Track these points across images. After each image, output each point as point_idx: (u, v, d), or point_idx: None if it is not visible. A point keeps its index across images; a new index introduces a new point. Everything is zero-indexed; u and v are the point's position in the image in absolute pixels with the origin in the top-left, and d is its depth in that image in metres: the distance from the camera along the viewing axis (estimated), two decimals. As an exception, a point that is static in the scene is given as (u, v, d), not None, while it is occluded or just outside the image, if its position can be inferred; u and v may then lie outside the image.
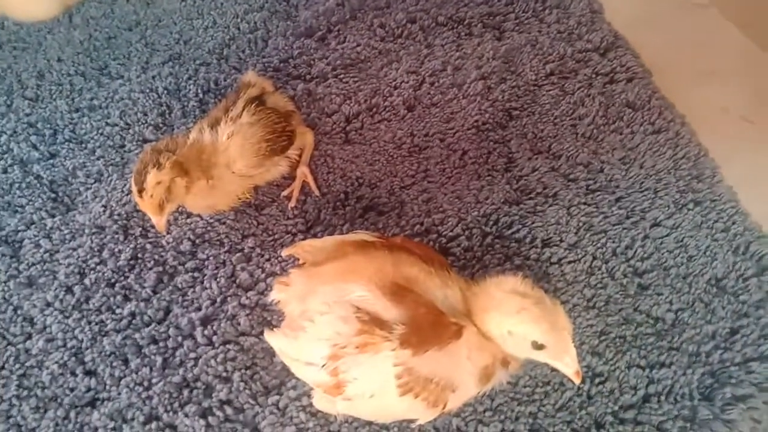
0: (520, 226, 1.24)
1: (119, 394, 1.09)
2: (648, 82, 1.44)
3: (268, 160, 1.21)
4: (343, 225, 1.26)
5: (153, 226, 1.22)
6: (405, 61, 1.50)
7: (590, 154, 1.33)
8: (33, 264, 1.24)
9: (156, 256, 1.23)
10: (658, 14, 1.65)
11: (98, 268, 1.23)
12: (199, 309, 1.17)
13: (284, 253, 1.07)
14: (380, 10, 1.61)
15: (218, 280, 1.20)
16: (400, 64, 1.50)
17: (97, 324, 1.16)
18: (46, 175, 1.36)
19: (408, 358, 0.83)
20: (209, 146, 1.15)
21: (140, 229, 1.27)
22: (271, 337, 0.94)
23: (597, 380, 1.07)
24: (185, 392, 1.09)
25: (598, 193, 1.28)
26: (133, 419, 1.07)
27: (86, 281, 1.21)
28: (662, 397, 1.05)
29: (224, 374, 1.10)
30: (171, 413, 1.07)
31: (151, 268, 1.22)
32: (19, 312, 1.19)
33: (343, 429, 1.04)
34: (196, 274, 1.21)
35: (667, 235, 1.22)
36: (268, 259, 1.22)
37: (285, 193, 1.30)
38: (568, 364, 0.84)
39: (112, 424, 1.06)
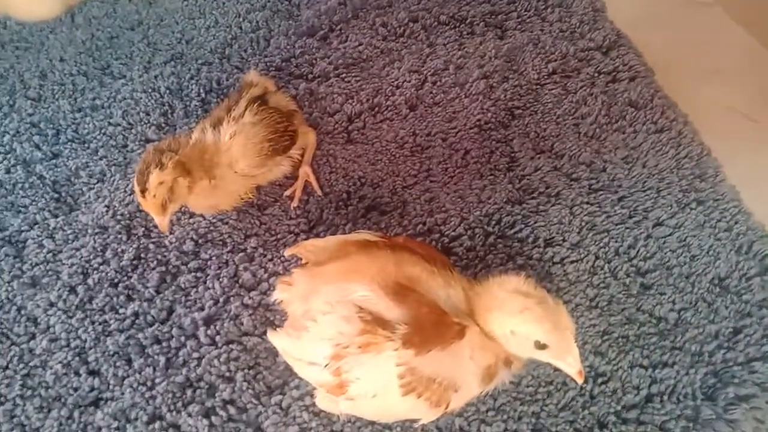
0: (522, 226, 1.24)
1: (123, 393, 1.09)
2: (651, 81, 1.44)
3: (271, 160, 1.21)
4: (345, 225, 1.26)
5: (156, 226, 1.22)
6: (407, 60, 1.50)
7: (593, 154, 1.33)
8: (36, 264, 1.24)
9: (159, 256, 1.24)
10: (661, 13, 1.64)
11: (101, 268, 1.23)
12: (202, 309, 1.17)
13: (287, 252, 1.07)
14: (382, 9, 1.61)
15: (221, 280, 1.20)
16: (402, 63, 1.50)
17: (100, 324, 1.17)
18: (49, 175, 1.36)
19: (411, 357, 0.83)
20: (212, 146, 1.15)
21: (143, 229, 1.27)
22: (274, 337, 0.94)
23: (600, 380, 1.07)
24: (188, 392, 1.09)
25: (601, 192, 1.28)
26: (136, 419, 1.07)
27: (89, 281, 1.21)
28: (665, 397, 1.05)
29: (227, 374, 1.10)
30: (174, 413, 1.07)
31: (154, 268, 1.22)
32: (22, 312, 1.19)
33: (345, 429, 1.04)
34: (199, 274, 1.21)
35: (669, 235, 1.22)
36: (271, 259, 1.22)
37: (287, 192, 1.30)
38: (570, 363, 0.84)
39: (115, 424, 1.07)
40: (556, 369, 0.90)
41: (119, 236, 1.26)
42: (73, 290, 1.21)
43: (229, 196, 1.21)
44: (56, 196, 1.33)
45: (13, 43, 1.63)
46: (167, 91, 1.48)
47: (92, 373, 1.12)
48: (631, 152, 1.33)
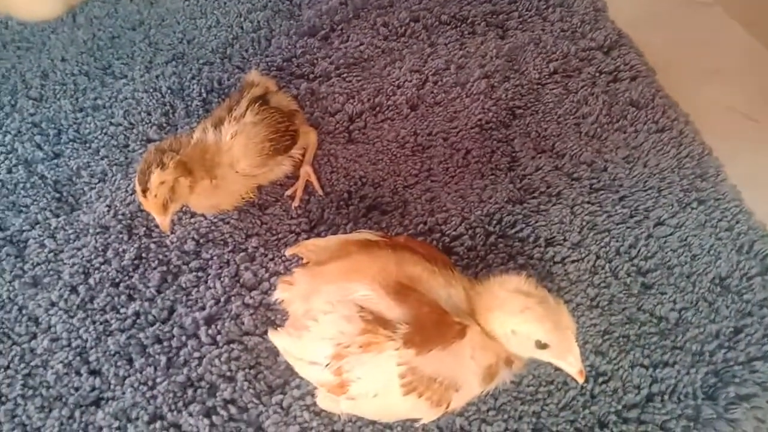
0: (523, 225, 1.24)
1: (124, 393, 1.09)
2: (652, 80, 1.44)
3: (272, 160, 1.21)
4: (346, 224, 1.26)
5: (157, 226, 1.23)
6: (408, 60, 1.50)
7: (594, 153, 1.33)
8: (38, 264, 1.24)
9: (160, 256, 1.24)
10: (662, 12, 1.64)
11: (102, 267, 1.23)
12: (203, 308, 1.17)
13: (288, 252, 1.08)
14: (383, 8, 1.61)
15: (222, 279, 1.20)
16: (404, 63, 1.50)
17: (101, 323, 1.17)
18: (50, 174, 1.37)
19: (411, 357, 0.83)
20: (213, 146, 1.15)
21: (144, 228, 1.27)
22: (275, 337, 0.94)
23: (600, 379, 1.07)
24: (189, 391, 1.09)
25: (602, 192, 1.28)
26: (137, 418, 1.07)
27: (91, 281, 1.21)
28: (666, 397, 1.05)
29: (228, 373, 1.10)
30: (175, 412, 1.07)
31: (155, 268, 1.22)
32: (23, 312, 1.19)
33: (346, 428, 1.04)
34: (200, 274, 1.21)
35: (670, 234, 1.22)
36: (272, 259, 1.22)
37: (288, 192, 1.31)
38: (571, 363, 0.84)
39: (116, 424, 1.07)
40: (556, 368, 0.90)
41: (120, 236, 1.26)
42: (74, 290, 1.21)
43: (230, 196, 1.22)
44: (58, 195, 1.33)
45: (15, 43, 1.63)
46: (169, 91, 1.48)
47: (93, 372, 1.12)
48: (633, 152, 1.33)
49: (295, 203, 1.29)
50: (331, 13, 1.60)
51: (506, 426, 1.04)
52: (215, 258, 1.23)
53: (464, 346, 0.85)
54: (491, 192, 1.29)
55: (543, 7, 1.59)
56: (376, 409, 0.92)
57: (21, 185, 1.35)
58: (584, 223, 1.24)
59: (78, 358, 1.13)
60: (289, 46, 1.55)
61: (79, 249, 1.25)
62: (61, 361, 1.13)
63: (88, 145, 1.41)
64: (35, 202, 1.32)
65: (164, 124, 1.43)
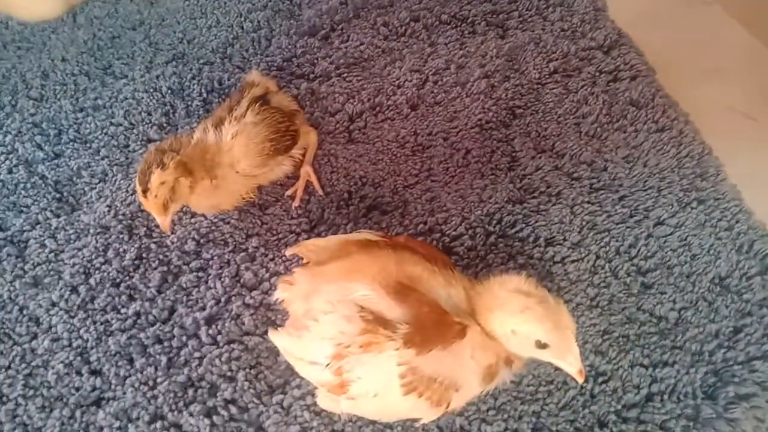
0: (523, 225, 1.24)
1: (124, 393, 1.10)
2: (652, 80, 1.44)
3: (272, 160, 1.21)
4: (346, 224, 1.26)
5: (157, 226, 1.23)
6: (408, 60, 1.50)
7: (594, 153, 1.33)
8: (38, 264, 1.25)
9: (160, 256, 1.24)
10: (662, 12, 1.64)
11: (103, 267, 1.23)
12: (203, 308, 1.17)
13: (288, 252, 1.08)
14: (383, 8, 1.61)
15: (222, 279, 1.20)
16: (404, 62, 1.50)
17: (102, 324, 1.17)
18: (50, 175, 1.37)
19: (412, 357, 0.83)
20: (213, 146, 1.15)
21: (145, 228, 1.27)
22: (276, 337, 0.94)
23: (600, 379, 1.07)
24: (190, 391, 1.09)
25: (602, 191, 1.28)
26: (138, 418, 1.07)
27: (91, 281, 1.21)
28: (665, 396, 1.05)
29: (229, 373, 1.10)
30: (176, 412, 1.07)
31: (155, 268, 1.22)
32: (24, 312, 1.19)
33: (347, 428, 1.04)
34: (200, 274, 1.22)
35: (670, 234, 1.22)
36: (272, 259, 1.22)
37: (289, 192, 1.31)
38: (571, 363, 0.84)
39: (117, 424, 1.07)
40: (556, 368, 0.90)
41: (121, 236, 1.27)
42: (74, 290, 1.21)
43: (230, 196, 1.22)
44: (58, 196, 1.34)
45: (15, 43, 1.63)
46: (169, 91, 1.48)
47: (94, 372, 1.12)
48: (632, 151, 1.33)
49: (296, 203, 1.29)
50: (332, 13, 1.60)
51: (506, 426, 1.04)
52: (216, 258, 1.23)
53: (464, 346, 0.85)
54: (491, 192, 1.29)
55: (543, 7, 1.59)
56: (376, 409, 0.92)
57: (21, 185, 1.35)
58: (584, 223, 1.24)
59: (79, 358, 1.13)
60: (290, 46, 1.56)
61: (79, 249, 1.25)
62: (61, 361, 1.13)
63: (88, 145, 1.41)
64: (36, 203, 1.32)
65: (165, 124, 1.43)
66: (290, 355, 0.93)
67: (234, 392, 1.08)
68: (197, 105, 1.45)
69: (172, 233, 1.26)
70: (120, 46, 1.60)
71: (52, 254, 1.26)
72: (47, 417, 1.08)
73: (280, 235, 1.26)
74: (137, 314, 1.18)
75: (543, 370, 1.07)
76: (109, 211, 1.30)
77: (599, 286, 1.17)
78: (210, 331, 1.14)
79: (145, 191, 1.07)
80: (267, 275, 1.20)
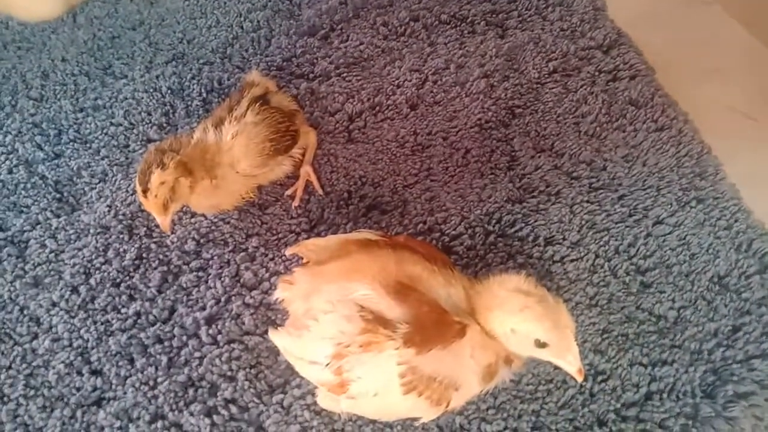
0: (522, 225, 1.24)
1: (125, 393, 1.10)
2: (651, 79, 1.44)
3: (272, 160, 1.21)
4: (346, 224, 1.27)
5: (157, 226, 1.23)
6: (408, 60, 1.51)
7: (593, 152, 1.33)
8: (39, 264, 1.25)
9: (161, 256, 1.24)
10: (662, 11, 1.64)
11: (103, 267, 1.23)
12: (203, 308, 1.17)
13: (288, 252, 1.08)
14: (383, 8, 1.62)
15: (222, 279, 1.20)
16: (403, 62, 1.50)
17: (102, 324, 1.17)
18: (51, 175, 1.37)
19: (411, 356, 0.83)
20: (213, 146, 1.15)
21: (145, 228, 1.28)
22: (276, 336, 0.94)
23: (599, 378, 1.08)
24: (190, 391, 1.09)
25: (601, 191, 1.28)
26: (138, 418, 1.07)
27: (91, 281, 1.21)
28: (664, 395, 1.06)
29: (229, 373, 1.10)
30: (176, 412, 1.07)
31: (155, 268, 1.22)
32: (25, 312, 1.19)
33: (347, 427, 1.04)
34: (200, 274, 1.22)
35: (669, 233, 1.22)
36: (272, 259, 1.23)
37: (288, 192, 1.31)
38: (570, 362, 0.85)
39: (118, 423, 1.07)
40: (556, 367, 0.90)
41: (121, 236, 1.27)
42: (75, 290, 1.21)
43: (230, 196, 1.22)
44: (58, 196, 1.34)
45: (15, 44, 1.63)
46: (169, 91, 1.48)
47: (95, 372, 1.13)
48: (632, 151, 1.33)
49: (295, 203, 1.29)
50: (331, 13, 1.61)
51: (506, 424, 1.04)
52: (216, 258, 1.23)
53: (464, 345, 0.86)
54: (491, 191, 1.29)
55: (542, 7, 1.59)
56: (376, 409, 0.93)
57: (22, 186, 1.36)
58: (583, 222, 1.24)
59: (79, 358, 1.14)
60: (289, 46, 1.56)
61: (80, 249, 1.26)
62: (62, 361, 1.13)
63: (88, 145, 1.41)
64: (36, 203, 1.33)
65: (164, 124, 1.43)
66: (290, 354, 0.94)
67: (234, 392, 1.08)
68: (197, 105, 1.45)
69: (172, 233, 1.26)
70: (120, 46, 1.60)
71: (53, 254, 1.26)
72: (48, 417, 1.08)
73: (280, 235, 1.26)
74: (137, 314, 1.18)
75: (542, 369, 1.08)
76: (109, 211, 1.30)
77: (598, 285, 1.17)
78: (210, 331, 1.14)
79: (145, 191, 1.07)
80: (267, 275, 1.20)
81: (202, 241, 1.25)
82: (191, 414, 1.07)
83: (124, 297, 1.20)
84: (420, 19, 1.58)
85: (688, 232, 1.22)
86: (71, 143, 1.41)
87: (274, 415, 1.06)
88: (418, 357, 0.83)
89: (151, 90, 1.48)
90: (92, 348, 1.15)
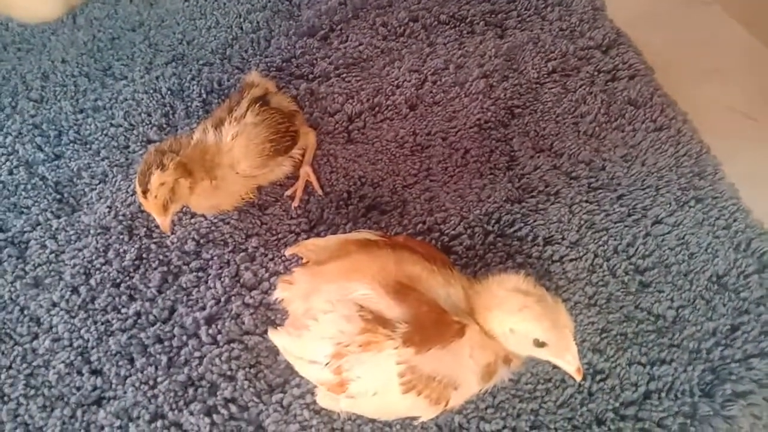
0: (522, 225, 1.25)
1: (125, 392, 1.10)
2: (650, 79, 1.44)
3: (272, 161, 1.21)
4: (346, 224, 1.27)
5: (157, 227, 1.23)
6: (407, 60, 1.51)
7: (592, 152, 1.34)
8: (39, 265, 1.25)
9: (161, 256, 1.24)
10: (661, 11, 1.65)
11: (103, 268, 1.24)
12: (203, 308, 1.18)
13: (288, 252, 1.08)
14: (382, 8, 1.62)
15: (222, 279, 1.21)
16: (403, 62, 1.51)
17: (102, 324, 1.17)
18: (51, 176, 1.37)
19: (411, 356, 0.84)
20: (213, 147, 1.16)
21: (145, 229, 1.28)
22: (275, 336, 0.94)
23: (598, 377, 1.08)
24: (190, 391, 1.09)
25: (600, 190, 1.28)
26: (138, 417, 1.07)
27: (92, 281, 1.22)
28: (663, 394, 1.06)
29: (229, 373, 1.11)
30: (176, 411, 1.08)
31: (155, 268, 1.23)
32: (25, 312, 1.20)
33: (346, 426, 1.04)
34: (200, 274, 1.22)
35: (668, 233, 1.22)
36: (272, 259, 1.23)
37: (288, 192, 1.31)
38: (569, 361, 0.85)
39: (118, 423, 1.07)
40: (554, 366, 0.91)
41: (121, 237, 1.27)
42: (75, 290, 1.21)
43: (230, 197, 1.22)
44: (58, 197, 1.34)
45: (15, 45, 1.64)
46: (168, 92, 1.48)
47: (95, 372, 1.13)
48: (631, 150, 1.34)
49: (295, 203, 1.29)
50: (330, 14, 1.61)
51: (504, 424, 1.04)
52: (215, 258, 1.23)
53: (463, 344, 0.86)
54: (490, 191, 1.29)
55: (542, 6, 1.59)
56: (375, 408, 0.93)
57: (22, 187, 1.36)
58: (582, 222, 1.24)
59: (79, 357, 1.14)
60: (289, 47, 1.56)
61: (80, 250, 1.26)
62: (62, 361, 1.13)
63: (88, 146, 1.41)
64: (36, 204, 1.33)
65: (164, 125, 1.43)
66: (290, 354, 0.94)
67: (234, 391, 1.09)
68: (197, 106, 1.46)
69: (172, 234, 1.26)
70: (120, 48, 1.60)
71: (53, 255, 1.26)
72: (48, 416, 1.09)
73: (280, 235, 1.26)
74: (138, 314, 1.18)
75: (541, 369, 1.08)
76: (109, 211, 1.30)
77: (597, 285, 1.17)
78: (210, 331, 1.15)
79: (144, 192, 1.07)
80: (267, 275, 1.21)
81: (202, 241, 1.26)
82: (191, 413, 1.07)
83: (124, 297, 1.20)
84: (419, 20, 1.58)
85: (687, 232, 1.22)
86: (71, 144, 1.42)
87: (273, 415, 1.06)
88: (417, 356, 0.84)
89: (151, 91, 1.49)
90: (92, 348, 1.15)
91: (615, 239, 1.22)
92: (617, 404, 1.05)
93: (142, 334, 1.16)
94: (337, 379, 0.87)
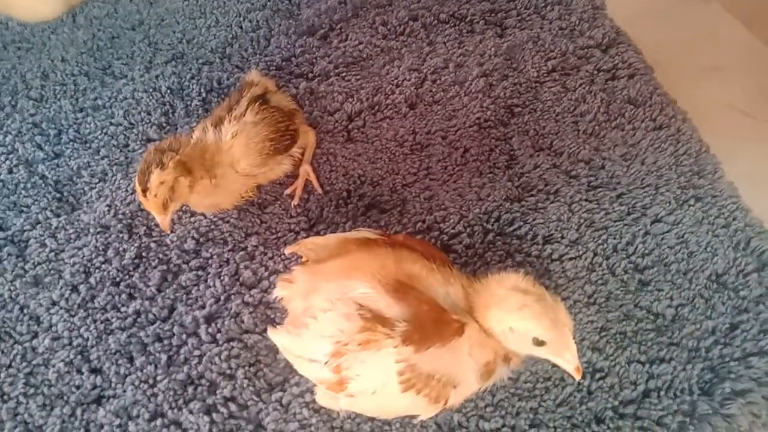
0: (521, 223, 1.25)
1: (125, 391, 1.10)
2: (650, 78, 1.44)
3: (272, 159, 1.21)
4: (345, 223, 1.27)
5: (157, 225, 1.23)
6: (407, 59, 1.51)
7: (591, 151, 1.34)
8: (39, 263, 1.25)
9: (160, 255, 1.24)
10: (661, 10, 1.65)
11: (103, 267, 1.24)
12: (203, 307, 1.18)
13: (287, 250, 1.08)
14: (382, 7, 1.62)
15: (222, 278, 1.21)
16: (402, 61, 1.51)
17: (102, 322, 1.17)
18: (50, 174, 1.37)
19: (410, 354, 0.84)
20: (212, 145, 1.16)
21: (144, 228, 1.28)
22: (275, 335, 0.94)
23: (597, 376, 1.08)
24: (190, 389, 1.10)
25: (600, 189, 1.28)
26: (138, 416, 1.08)
27: (91, 280, 1.22)
28: (662, 392, 1.06)
29: (228, 371, 1.11)
30: (176, 410, 1.08)
31: (155, 267, 1.23)
32: (25, 311, 1.20)
33: (345, 425, 1.04)
34: (200, 273, 1.22)
35: (667, 231, 1.22)
36: (272, 257, 1.23)
37: (288, 191, 1.31)
38: (568, 360, 0.85)
39: (117, 421, 1.07)
40: (554, 365, 0.91)
41: (121, 235, 1.27)
42: (75, 289, 1.21)
43: (230, 195, 1.22)
44: (58, 195, 1.34)
45: (15, 44, 1.64)
46: (168, 91, 1.48)
47: (94, 371, 1.13)
48: (630, 149, 1.34)
49: (295, 202, 1.29)
50: (330, 13, 1.61)
51: (504, 422, 1.04)
52: (215, 257, 1.23)
53: (462, 343, 0.86)
54: (489, 190, 1.29)
55: (541, 5, 1.59)
56: (374, 406, 0.93)
57: (22, 185, 1.36)
58: (582, 221, 1.24)
59: (79, 356, 1.14)
60: (288, 46, 1.56)
61: (79, 248, 1.26)
62: (62, 360, 1.14)
63: (88, 145, 1.42)
64: (36, 202, 1.33)
65: (164, 124, 1.43)
66: (289, 352, 0.94)
67: (233, 390, 1.09)
68: (196, 105, 1.46)
69: (172, 232, 1.26)
70: (119, 46, 1.60)
71: (53, 253, 1.26)
72: (48, 415, 1.09)
73: (279, 234, 1.26)
74: (137, 313, 1.18)
75: (540, 367, 1.08)
76: (109, 210, 1.30)
77: (597, 284, 1.17)
78: (209, 330, 1.15)
79: (144, 191, 1.07)
80: (266, 273, 1.21)
81: (201, 240, 1.26)
82: (190, 412, 1.07)
83: (123, 296, 1.20)
84: (419, 19, 1.58)
85: (687, 231, 1.22)
86: (71, 143, 1.42)
87: (273, 413, 1.06)
88: (416, 355, 0.84)
89: (151, 90, 1.49)
90: (92, 346, 1.15)
91: (614, 238, 1.22)
92: (616, 403, 1.05)
93: (142, 333, 1.16)
94: (337, 378, 0.87)
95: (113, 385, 1.11)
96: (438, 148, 1.36)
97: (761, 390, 1.05)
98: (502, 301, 0.86)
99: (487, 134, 1.38)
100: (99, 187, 1.35)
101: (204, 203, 1.21)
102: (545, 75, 1.46)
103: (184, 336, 1.15)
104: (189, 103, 1.46)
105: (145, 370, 1.12)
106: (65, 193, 1.35)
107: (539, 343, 0.84)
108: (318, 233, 1.26)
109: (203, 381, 1.10)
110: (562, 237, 1.23)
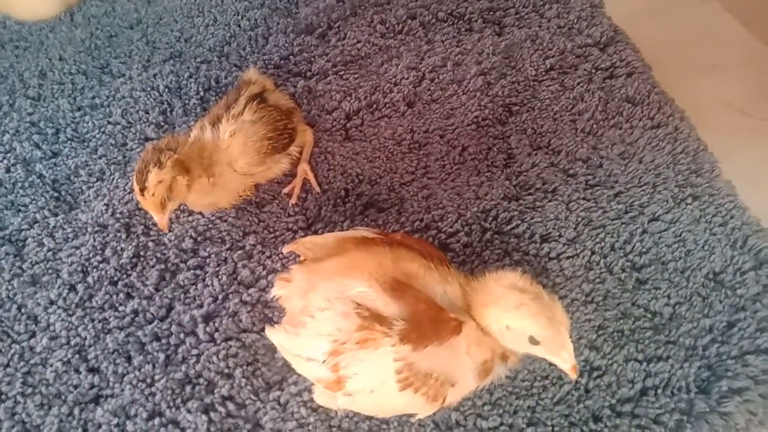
0: (519, 222, 1.25)
1: (122, 390, 1.10)
2: (648, 76, 1.44)
3: (270, 158, 1.22)
4: (343, 221, 1.27)
5: (155, 224, 1.23)
6: (405, 58, 1.51)
7: (589, 150, 1.34)
8: (36, 262, 1.25)
9: (158, 254, 1.24)
10: (659, 8, 1.65)
11: (101, 266, 1.24)
12: (201, 306, 1.18)
13: (285, 249, 1.08)
14: (380, 6, 1.62)
15: (220, 277, 1.21)
16: (400, 60, 1.51)
17: (100, 321, 1.17)
18: (48, 174, 1.37)
19: (408, 353, 0.84)
20: (210, 144, 1.16)
21: (142, 227, 1.28)
22: (273, 334, 0.94)
23: (595, 374, 1.08)
24: (188, 388, 1.10)
25: (597, 188, 1.28)
26: (136, 415, 1.08)
27: (89, 279, 1.22)
28: (659, 391, 1.06)
29: (226, 370, 1.11)
30: (174, 409, 1.08)
31: (153, 266, 1.23)
32: (23, 310, 1.20)
33: (343, 424, 1.05)
34: (197, 272, 1.22)
35: (665, 230, 1.23)
36: (269, 256, 1.23)
37: (286, 190, 1.31)
38: (565, 359, 0.85)
39: (115, 421, 1.07)
40: (551, 363, 0.91)
41: (119, 234, 1.27)
42: (73, 288, 1.21)
43: (227, 194, 1.22)
44: (56, 194, 1.34)
45: (13, 43, 1.64)
46: (166, 90, 1.48)
47: (92, 370, 1.13)
48: (628, 148, 1.34)
49: (293, 201, 1.29)
50: (328, 11, 1.61)
51: (501, 420, 1.04)
52: (213, 256, 1.23)
53: (460, 341, 0.86)
54: (487, 189, 1.30)
55: (540, 4, 1.59)
56: (372, 405, 0.93)
57: (19, 184, 1.36)
58: (579, 219, 1.24)
59: (77, 356, 1.14)
60: (287, 44, 1.56)
61: (77, 248, 1.26)
62: (60, 359, 1.14)
63: (86, 144, 1.41)
64: (34, 201, 1.33)
65: (162, 123, 1.43)
66: (287, 351, 0.94)
67: (231, 389, 1.09)
68: (194, 103, 1.46)
69: (170, 231, 1.26)
70: (117, 45, 1.60)
71: (50, 253, 1.26)
72: (46, 414, 1.09)
73: (277, 233, 1.26)
74: (135, 312, 1.18)
75: (538, 366, 1.08)
76: (106, 209, 1.30)
77: (594, 282, 1.17)
78: (207, 329, 1.15)
79: (142, 190, 1.07)
80: (264, 272, 1.21)
81: (199, 239, 1.26)
82: (188, 411, 1.07)
83: (121, 295, 1.20)
84: (417, 17, 1.58)
85: (684, 229, 1.22)
86: (69, 142, 1.42)
87: (271, 412, 1.06)
88: (414, 353, 0.84)
89: (149, 89, 1.49)
90: (90, 346, 1.15)
91: (612, 236, 1.22)
92: (614, 401, 1.05)
93: (140, 332, 1.16)
94: (335, 377, 0.87)
95: (111, 384, 1.11)
96: (436, 146, 1.36)
97: (758, 388, 1.05)
98: (500, 300, 0.86)
99: (485, 133, 1.38)
100: (97, 186, 1.35)
101: (202, 202, 1.21)
102: (543, 73, 1.46)
103: (182, 335, 1.15)
104: (187, 101, 1.46)
105: (142, 370, 1.12)
106: (63, 192, 1.35)
107: (536, 341, 0.84)
108: (316, 232, 1.26)
109: (201, 380, 1.10)
110: (560, 235, 1.23)
